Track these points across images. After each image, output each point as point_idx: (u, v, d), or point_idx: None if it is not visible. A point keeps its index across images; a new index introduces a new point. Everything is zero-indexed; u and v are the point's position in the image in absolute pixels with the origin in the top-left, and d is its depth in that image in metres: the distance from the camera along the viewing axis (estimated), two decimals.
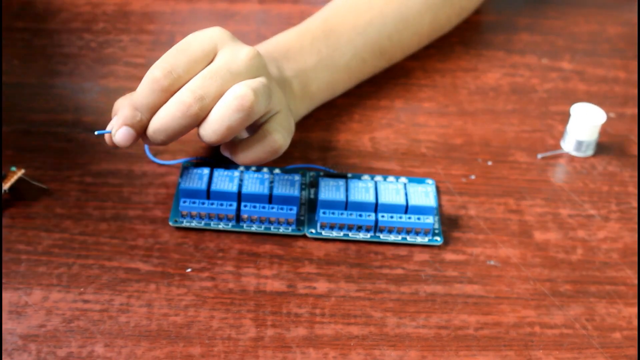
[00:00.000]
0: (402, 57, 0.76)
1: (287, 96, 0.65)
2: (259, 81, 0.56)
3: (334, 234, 0.60)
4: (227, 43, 0.58)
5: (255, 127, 0.59)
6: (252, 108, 0.55)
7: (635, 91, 0.78)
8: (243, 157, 0.58)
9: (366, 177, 0.64)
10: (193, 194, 0.60)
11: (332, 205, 0.60)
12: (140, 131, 0.57)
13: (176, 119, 0.55)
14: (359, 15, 0.71)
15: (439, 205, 0.64)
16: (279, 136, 0.58)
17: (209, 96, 0.55)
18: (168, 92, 0.56)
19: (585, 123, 0.68)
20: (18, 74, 0.72)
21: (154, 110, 0.56)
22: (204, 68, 0.57)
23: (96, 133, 0.58)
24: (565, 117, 0.73)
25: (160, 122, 0.56)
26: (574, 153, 0.69)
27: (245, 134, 0.61)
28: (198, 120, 0.55)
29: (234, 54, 0.57)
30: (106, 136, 0.57)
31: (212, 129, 0.55)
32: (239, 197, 0.60)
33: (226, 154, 0.60)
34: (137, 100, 0.56)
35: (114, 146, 0.57)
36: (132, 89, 0.71)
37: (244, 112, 0.55)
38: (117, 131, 0.56)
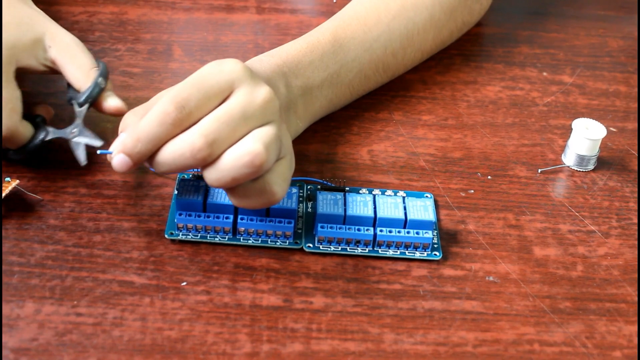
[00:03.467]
0: (403, 72, 0.76)
1: (291, 115, 0.64)
2: (273, 134, 0.54)
3: (332, 248, 0.59)
4: (244, 82, 0.55)
5: None
6: (261, 166, 0.53)
7: (636, 105, 0.77)
8: (238, 201, 0.56)
9: (364, 190, 0.64)
10: (189, 206, 0.59)
11: (330, 219, 0.59)
12: (138, 161, 0.54)
13: (184, 159, 0.53)
14: (367, 30, 0.70)
15: (438, 220, 0.63)
16: (279, 189, 0.56)
17: (220, 141, 0.53)
18: (176, 127, 0.53)
19: (586, 138, 0.67)
20: None
21: (157, 142, 0.54)
22: (217, 105, 0.54)
23: (99, 152, 0.57)
24: (565, 131, 0.72)
25: (167, 157, 0.54)
26: (574, 168, 0.69)
27: None
28: (205, 163, 0.54)
29: (251, 96, 0.55)
30: (108, 156, 0.56)
31: (217, 176, 0.54)
32: (236, 209, 0.59)
33: (225, 190, 0.58)
34: (142, 131, 0.54)
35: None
36: (128, 98, 0.71)
37: (254, 169, 0.53)
38: (114, 157, 0.54)
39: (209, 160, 0.53)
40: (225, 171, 0.53)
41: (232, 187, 0.56)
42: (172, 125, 0.53)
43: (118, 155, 0.54)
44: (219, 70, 0.55)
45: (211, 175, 0.54)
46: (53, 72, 0.63)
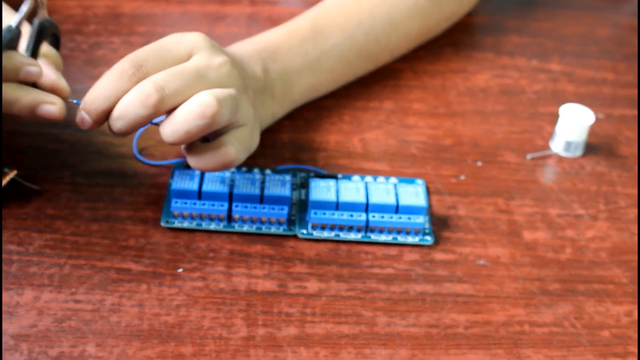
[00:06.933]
0: (390, 59, 0.77)
1: (266, 99, 0.65)
2: (228, 92, 0.56)
3: (325, 234, 0.60)
4: (203, 50, 0.57)
5: (215, 134, 0.58)
6: (213, 118, 0.54)
7: (623, 92, 0.78)
8: (194, 161, 0.57)
9: (356, 177, 0.65)
10: (184, 194, 0.60)
11: (323, 205, 0.60)
12: (98, 119, 0.56)
13: (135, 107, 0.54)
14: (348, 17, 0.71)
15: (429, 205, 0.64)
16: (233, 150, 0.57)
17: (170, 89, 0.54)
18: (133, 85, 0.55)
19: (574, 124, 0.68)
20: None
21: (114, 100, 0.55)
22: None
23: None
24: (554, 118, 0.73)
25: (120, 110, 0.55)
26: (562, 153, 0.70)
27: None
28: (156, 112, 0.54)
29: (207, 60, 0.57)
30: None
31: (171, 129, 0.55)
32: (230, 197, 0.60)
33: (184, 152, 0.59)
34: (99, 89, 0.55)
35: None
36: None
37: (205, 120, 0.54)
38: (77, 115, 0.56)
39: (160, 109, 0.54)
40: (179, 123, 0.54)
41: (189, 147, 0.57)
42: (128, 84, 0.55)
43: (79, 113, 0.56)
44: (180, 39, 0.57)
45: (166, 130, 0.55)
46: None
